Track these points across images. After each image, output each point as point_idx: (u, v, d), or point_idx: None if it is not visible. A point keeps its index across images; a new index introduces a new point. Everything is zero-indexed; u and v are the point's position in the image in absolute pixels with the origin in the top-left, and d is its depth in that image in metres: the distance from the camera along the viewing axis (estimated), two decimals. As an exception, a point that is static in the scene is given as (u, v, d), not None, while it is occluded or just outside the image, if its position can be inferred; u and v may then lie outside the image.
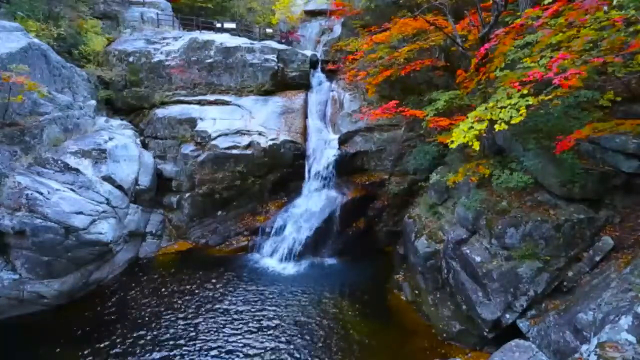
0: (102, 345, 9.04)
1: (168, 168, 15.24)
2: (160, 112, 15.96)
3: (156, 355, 8.81)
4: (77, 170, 11.77)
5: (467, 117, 7.63)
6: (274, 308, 10.65)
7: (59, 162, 11.60)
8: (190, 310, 10.41)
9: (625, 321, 5.47)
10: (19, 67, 10.89)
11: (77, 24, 16.49)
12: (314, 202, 14.33)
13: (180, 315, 10.20)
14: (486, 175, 9.40)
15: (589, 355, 4.85)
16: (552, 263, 8.18)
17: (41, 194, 10.47)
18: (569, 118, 8.68)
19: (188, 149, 14.87)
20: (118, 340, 9.25)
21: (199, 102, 16.41)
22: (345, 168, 14.59)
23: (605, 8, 6.39)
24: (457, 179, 9.80)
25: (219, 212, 14.94)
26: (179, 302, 10.80)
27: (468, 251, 9.36)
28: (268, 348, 9.11)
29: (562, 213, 8.34)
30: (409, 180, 14.09)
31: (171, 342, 9.20)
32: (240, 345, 9.18)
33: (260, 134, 14.87)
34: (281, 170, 15.01)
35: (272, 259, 13.48)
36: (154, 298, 10.96)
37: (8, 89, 10.72)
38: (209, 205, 14.80)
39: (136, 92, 16.71)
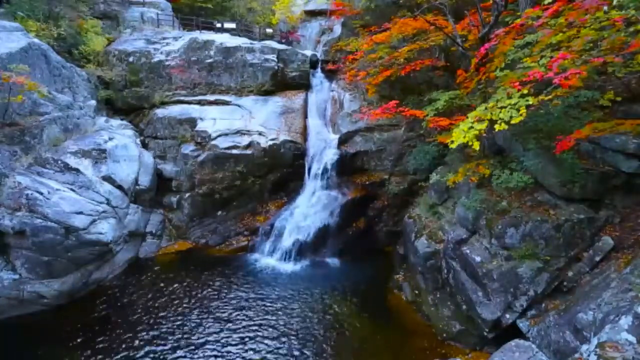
0: (102, 346, 9.04)
1: (168, 168, 15.24)
2: (160, 112, 15.96)
3: (156, 355, 8.81)
4: (77, 170, 11.77)
5: (467, 117, 7.63)
6: (274, 308, 10.64)
7: (59, 162, 11.60)
8: (190, 310, 10.41)
9: (625, 321, 5.47)
10: (19, 67, 10.89)
11: (77, 24, 16.48)
12: (314, 202, 14.33)
13: (181, 315, 10.19)
14: (486, 175, 9.40)
15: (589, 355, 4.85)
16: (552, 263, 8.18)
17: (41, 194, 10.47)
18: (569, 118, 8.68)
19: (188, 149, 14.87)
20: (118, 340, 9.24)
21: (199, 102, 16.41)
22: (345, 168, 14.59)
23: (605, 8, 6.39)
24: (457, 179, 9.80)
25: (219, 212, 14.94)
26: (179, 302, 10.80)
27: (468, 251, 9.36)
28: (268, 348, 9.10)
29: (562, 213, 8.34)
30: (409, 180, 14.09)
31: (171, 342, 9.19)
32: (241, 345, 9.17)
33: (260, 134, 14.87)
34: (281, 170, 15.01)
35: (272, 259, 13.49)
36: (154, 298, 10.95)
37: (8, 89, 10.72)
38: (209, 205, 14.80)
39: (136, 92, 16.71)
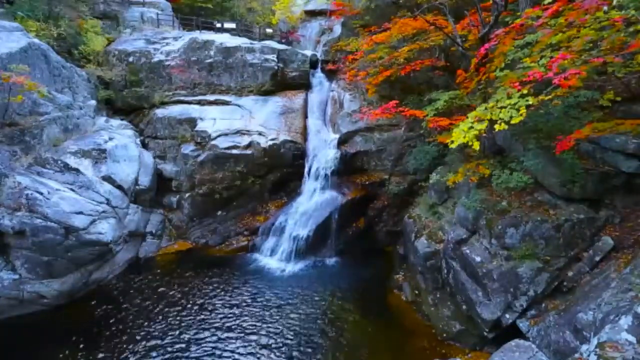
0: (101, 345, 9.04)
1: (168, 168, 15.24)
2: (160, 112, 15.96)
3: (156, 355, 8.81)
4: (77, 170, 11.77)
5: (467, 117, 7.62)
6: (274, 308, 10.64)
7: (59, 162, 11.60)
8: (190, 310, 10.41)
9: (625, 321, 5.46)
10: (19, 67, 10.89)
11: (77, 24, 16.49)
12: (314, 202, 14.32)
13: (180, 315, 10.19)
14: (486, 175, 9.40)
15: (589, 355, 4.85)
16: (552, 263, 8.18)
17: (41, 194, 10.47)
18: (569, 118, 8.68)
19: (188, 149, 14.87)
20: (118, 340, 9.24)
21: (199, 102, 16.41)
22: (345, 168, 14.59)
23: (605, 8, 6.38)
24: (457, 179, 9.79)
25: (219, 212, 14.94)
26: (179, 302, 10.80)
27: (468, 251, 9.36)
28: (268, 348, 9.10)
29: (562, 213, 8.34)
30: (409, 180, 14.08)
31: (171, 342, 9.19)
32: (241, 345, 9.17)
33: (260, 134, 14.87)
34: (281, 170, 15.01)
35: (272, 259, 13.48)
36: (154, 298, 10.96)
37: (8, 89, 10.72)
38: (209, 205, 14.80)
39: (136, 92, 16.71)
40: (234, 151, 14.42)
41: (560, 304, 7.87)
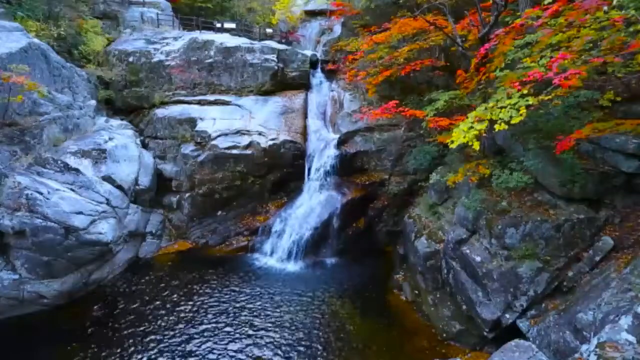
0: (101, 345, 9.03)
1: (168, 168, 15.24)
2: (160, 112, 15.96)
3: (156, 355, 8.80)
4: (77, 170, 11.77)
5: (467, 117, 7.63)
6: (274, 307, 10.64)
7: (59, 162, 11.60)
8: (190, 310, 10.41)
9: (625, 321, 5.46)
10: (19, 67, 10.89)
11: (77, 24, 16.49)
12: (314, 202, 14.32)
13: (180, 315, 10.19)
14: (486, 175, 9.41)
15: (589, 355, 4.85)
16: (552, 263, 8.18)
17: (41, 194, 10.46)
18: (569, 118, 8.68)
19: (188, 149, 14.87)
20: (118, 340, 9.24)
21: (199, 102, 16.41)
22: (345, 168, 14.58)
23: (605, 8, 6.39)
24: (457, 179, 9.80)
25: (219, 212, 14.94)
26: (179, 301, 10.79)
27: (468, 251, 9.36)
28: (268, 348, 9.10)
29: (562, 213, 8.34)
30: (409, 180, 14.09)
31: (171, 342, 9.19)
32: (240, 345, 9.17)
33: (260, 134, 14.86)
34: (281, 170, 15.01)
35: (272, 259, 13.49)
36: (154, 298, 10.95)
37: (8, 89, 10.72)
38: (209, 205, 14.79)
39: (136, 92, 16.72)
40: (234, 151, 14.42)
41: (560, 304, 7.87)
